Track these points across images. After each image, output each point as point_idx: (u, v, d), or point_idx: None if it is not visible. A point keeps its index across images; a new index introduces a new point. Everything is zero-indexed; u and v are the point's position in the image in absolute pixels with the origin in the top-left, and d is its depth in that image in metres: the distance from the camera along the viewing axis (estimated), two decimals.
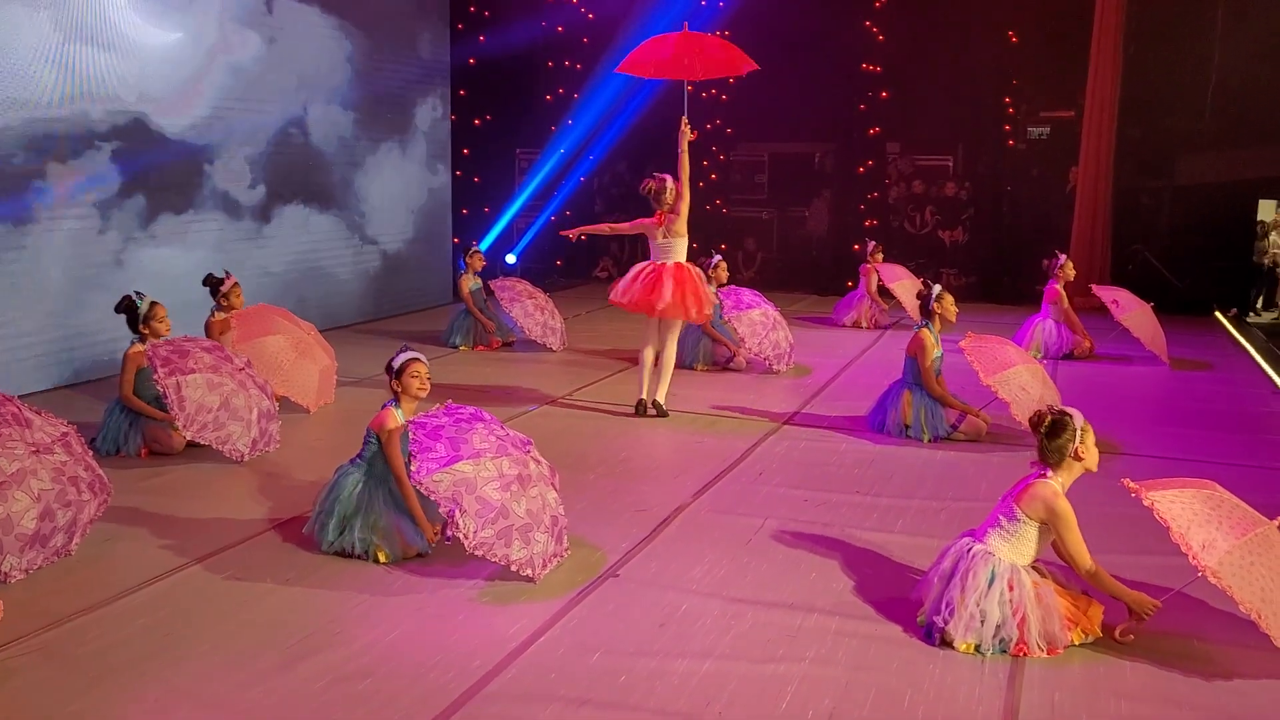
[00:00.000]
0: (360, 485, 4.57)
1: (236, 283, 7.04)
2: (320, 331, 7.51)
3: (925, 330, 6.56)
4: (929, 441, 6.48)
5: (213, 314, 6.98)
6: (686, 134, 6.88)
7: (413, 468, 4.15)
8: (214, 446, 5.77)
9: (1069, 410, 3.86)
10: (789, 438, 6.60)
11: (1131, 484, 3.77)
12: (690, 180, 6.94)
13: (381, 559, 4.46)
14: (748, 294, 8.67)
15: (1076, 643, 3.76)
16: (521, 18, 13.93)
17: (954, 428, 6.55)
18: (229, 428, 5.79)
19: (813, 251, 14.18)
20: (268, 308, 7.23)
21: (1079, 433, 3.80)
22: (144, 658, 3.63)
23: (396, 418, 4.60)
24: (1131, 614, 3.81)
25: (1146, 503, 3.68)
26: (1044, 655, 3.69)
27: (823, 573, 4.46)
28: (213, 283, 7.04)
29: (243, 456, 5.84)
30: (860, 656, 3.72)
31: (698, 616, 4.01)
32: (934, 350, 6.54)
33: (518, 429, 4.67)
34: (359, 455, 4.67)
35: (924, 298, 6.71)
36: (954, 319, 6.64)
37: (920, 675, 3.59)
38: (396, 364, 4.67)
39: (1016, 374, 6.20)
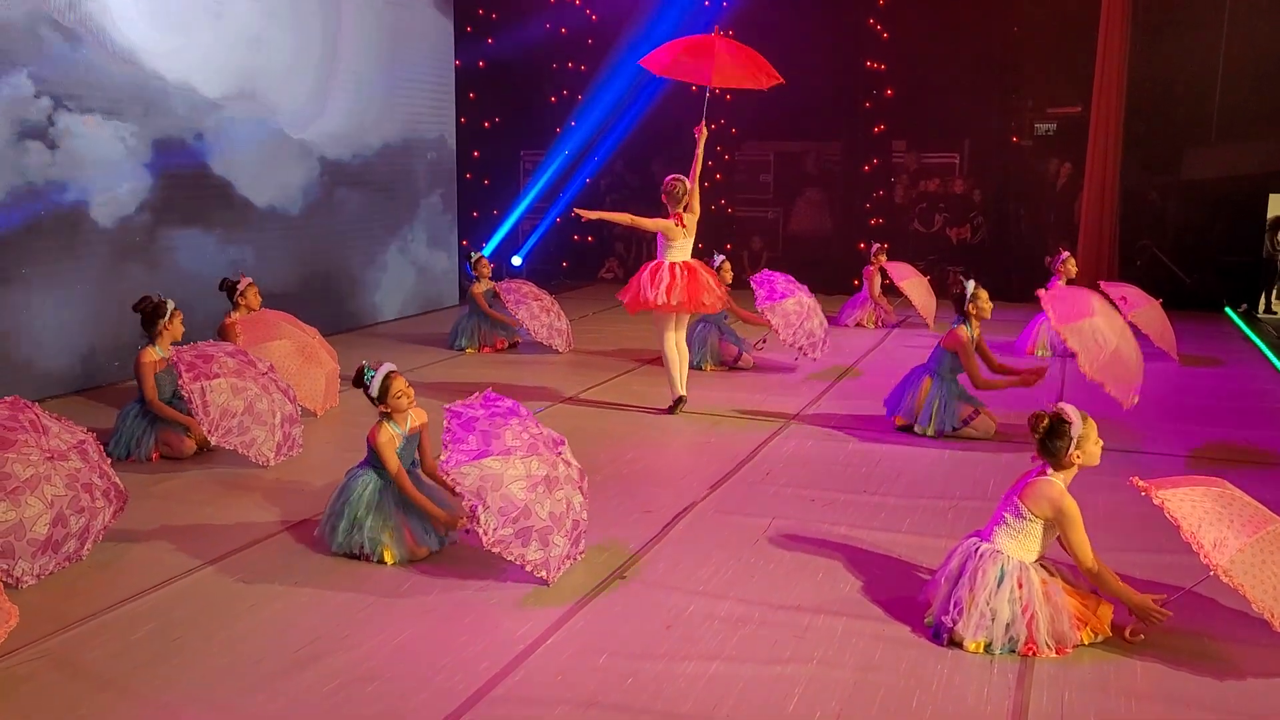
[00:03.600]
0: (370, 486, 4.58)
1: (252, 283, 7.22)
2: (324, 336, 7.53)
3: (962, 326, 6.48)
4: (932, 435, 6.47)
5: (229, 315, 7.08)
6: (704, 135, 6.95)
7: (443, 457, 4.13)
8: (239, 451, 5.76)
9: (1068, 412, 3.82)
10: (795, 437, 6.59)
11: (1141, 482, 3.75)
12: (696, 180, 6.98)
13: (388, 559, 4.46)
14: (781, 280, 8.45)
15: (1086, 642, 3.74)
16: (525, 20, 13.94)
17: (965, 423, 6.51)
18: (253, 432, 5.78)
19: (816, 252, 14.10)
20: (271, 312, 7.26)
21: (1075, 440, 3.77)
22: (152, 662, 3.63)
23: (389, 431, 4.60)
24: (1143, 612, 3.79)
25: (1157, 501, 3.66)
26: (1053, 654, 3.67)
27: (830, 573, 4.44)
28: (228, 285, 7.21)
29: (268, 461, 5.83)
30: (868, 657, 3.71)
31: (705, 618, 4.00)
32: (971, 346, 6.46)
33: None
34: (366, 460, 4.68)
35: (959, 298, 6.58)
36: (989, 315, 6.54)
37: (928, 675, 3.58)
38: (375, 391, 4.59)
39: (1092, 324, 6.02)
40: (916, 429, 6.56)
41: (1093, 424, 3.83)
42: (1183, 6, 12.14)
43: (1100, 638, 3.77)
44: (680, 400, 7.13)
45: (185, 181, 8.52)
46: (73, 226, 7.59)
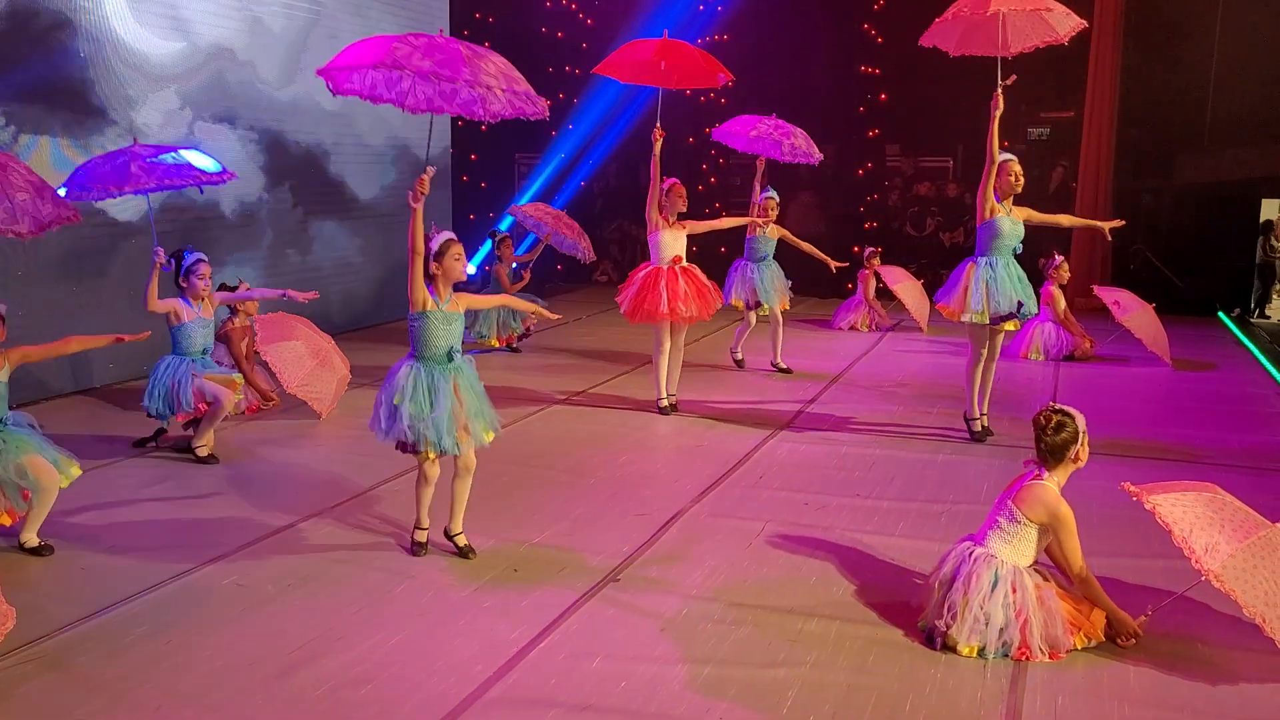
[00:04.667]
0: (411, 373, 4.48)
1: (250, 289, 7.21)
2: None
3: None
4: (975, 321, 6.15)
5: (230, 321, 7.07)
6: (659, 140, 7.02)
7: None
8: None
9: (1071, 411, 3.86)
10: (789, 441, 6.60)
11: (1133, 487, 3.76)
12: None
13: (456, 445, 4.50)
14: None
15: (1079, 647, 3.75)
16: (521, 24, 13.95)
17: (1014, 314, 6.11)
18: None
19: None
20: (289, 315, 7.29)
21: (1082, 434, 3.81)
22: (146, 665, 3.63)
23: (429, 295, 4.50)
24: (1110, 625, 3.81)
25: (1148, 506, 3.67)
26: (1046, 659, 3.68)
27: (823, 577, 4.45)
28: (226, 289, 7.18)
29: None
30: (861, 661, 3.71)
31: (698, 621, 4.00)
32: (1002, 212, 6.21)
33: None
34: (411, 356, 4.55)
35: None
36: (1020, 187, 6.31)
37: (922, 679, 3.59)
38: (437, 245, 4.51)
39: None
40: (969, 318, 6.15)
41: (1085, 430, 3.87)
42: (1175, 13, 12.18)
43: (1094, 643, 3.78)
44: (663, 404, 7.20)
45: (319, 181, 10.20)
46: (250, 219, 9.35)
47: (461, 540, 4.66)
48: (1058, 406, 3.90)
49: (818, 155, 9.04)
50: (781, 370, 8.71)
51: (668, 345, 7.13)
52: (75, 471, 4.70)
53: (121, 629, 3.89)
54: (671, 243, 7.07)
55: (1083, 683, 3.58)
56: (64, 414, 7.06)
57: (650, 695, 3.46)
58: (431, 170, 4.55)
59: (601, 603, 4.17)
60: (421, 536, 4.67)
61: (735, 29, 13.15)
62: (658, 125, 7.05)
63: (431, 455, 4.50)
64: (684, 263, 7.09)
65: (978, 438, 6.52)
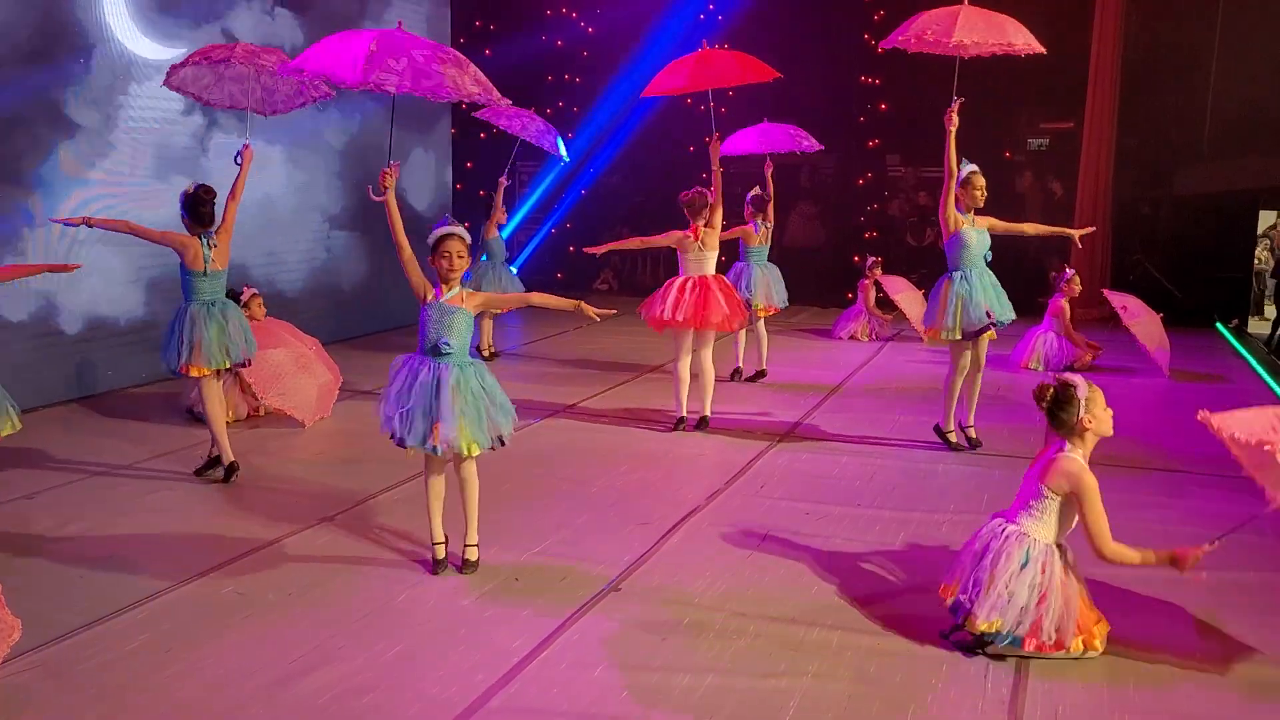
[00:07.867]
0: (462, 376, 4.35)
1: (256, 293, 7.24)
2: (325, 345, 7.55)
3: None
4: (958, 339, 6.22)
5: None
6: (717, 148, 6.93)
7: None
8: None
9: (1072, 379, 3.78)
10: (790, 450, 6.60)
11: (1209, 417, 3.61)
12: (718, 192, 6.97)
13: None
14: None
15: (1074, 651, 3.72)
16: (522, 33, 14.00)
17: (989, 325, 6.19)
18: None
19: (810, 265, 14.11)
20: (274, 322, 7.30)
21: (1084, 402, 3.73)
22: (144, 674, 3.62)
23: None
24: (1177, 563, 3.64)
25: (1224, 435, 3.54)
26: (1050, 644, 3.66)
27: (824, 586, 4.45)
28: (232, 296, 7.18)
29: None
30: (863, 670, 3.71)
31: (700, 630, 4.00)
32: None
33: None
34: (433, 349, 4.40)
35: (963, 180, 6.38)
36: (983, 199, 6.43)
37: (923, 689, 3.58)
38: (432, 240, 4.49)
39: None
40: (944, 335, 6.26)
41: (1098, 390, 3.78)
42: (1174, 23, 12.22)
43: (1090, 653, 3.76)
44: (681, 421, 7.06)
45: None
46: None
47: (470, 554, 4.58)
48: (1059, 376, 3.83)
49: (818, 145, 9.60)
50: (753, 377, 8.60)
51: (684, 359, 6.96)
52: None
53: (121, 637, 3.89)
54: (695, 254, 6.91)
55: (1083, 693, 3.57)
56: (65, 421, 7.06)
57: (652, 705, 3.46)
58: (395, 165, 4.54)
59: (603, 612, 4.17)
60: (438, 553, 4.56)
61: (736, 38, 13.16)
62: (717, 134, 6.95)
63: (410, 453, 4.47)
64: (702, 273, 6.85)
65: (955, 447, 6.53)
